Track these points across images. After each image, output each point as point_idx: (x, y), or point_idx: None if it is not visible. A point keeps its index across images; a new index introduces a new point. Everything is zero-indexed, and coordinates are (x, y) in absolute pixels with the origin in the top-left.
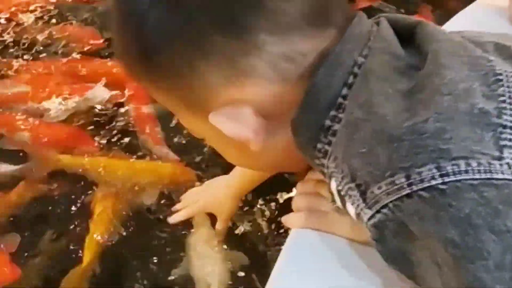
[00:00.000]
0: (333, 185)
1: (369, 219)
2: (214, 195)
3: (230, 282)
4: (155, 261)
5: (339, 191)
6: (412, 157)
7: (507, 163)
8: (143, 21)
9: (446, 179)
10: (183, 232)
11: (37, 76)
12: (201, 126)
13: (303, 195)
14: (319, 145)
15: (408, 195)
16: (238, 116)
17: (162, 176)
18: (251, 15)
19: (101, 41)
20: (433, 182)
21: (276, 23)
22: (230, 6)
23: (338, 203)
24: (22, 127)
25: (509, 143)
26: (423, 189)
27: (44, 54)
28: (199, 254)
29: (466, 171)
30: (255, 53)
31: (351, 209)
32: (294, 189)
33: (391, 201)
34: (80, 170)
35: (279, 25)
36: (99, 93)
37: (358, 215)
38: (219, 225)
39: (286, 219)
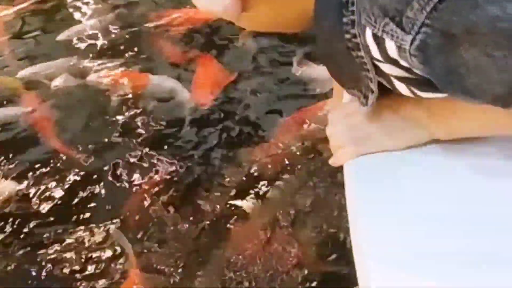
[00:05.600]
0: (369, 34)
1: (411, 44)
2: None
3: None
4: None
5: (375, 37)
6: None
7: None
8: None
9: None
10: None
11: None
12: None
13: (337, 129)
14: (344, 19)
15: (440, 0)
16: None
17: None
18: None
19: None
20: None
21: None
22: None
23: (376, 53)
24: None
25: None
26: None
27: None
28: None
29: None
30: None
31: (391, 46)
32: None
33: (426, 17)
34: None
35: None
36: None
37: (399, 48)
38: None
39: (334, 160)
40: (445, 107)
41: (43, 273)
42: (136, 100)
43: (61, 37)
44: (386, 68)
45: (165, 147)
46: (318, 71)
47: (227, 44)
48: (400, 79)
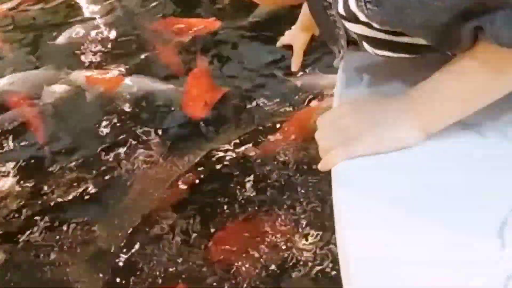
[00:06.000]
0: None
1: None
2: (290, 31)
3: None
4: None
5: None
6: None
7: None
8: None
9: None
10: None
11: None
12: None
13: (326, 133)
14: None
15: None
16: None
17: None
18: None
19: None
20: None
21: None
22: None
23: (341, 9)
24: None
25: None
26: None
27: None
28: None
29: None
30: None
31: None
32: None
33: None
34: None
35: None
36: None
37: None
38: (294, 57)
39: (323, 164)
40: (427, 95)
41: None
42: (108, 101)
43: (60, 40)
44: (351, 26)
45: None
46: (321, 80)
47: (227, 55)
48: (364, 38)
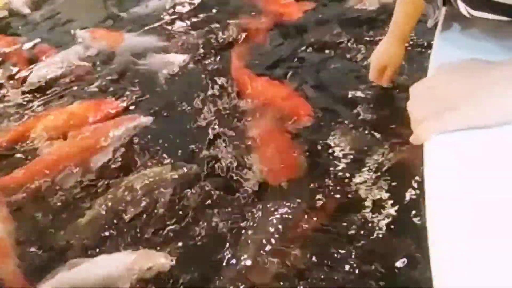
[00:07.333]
0: None
1: None
2: (380, 46)
3: None
4: None
5: None
6: None
7: None
8: None
9: None
10: None
11: None
12: None
13: (419, 103)
14: None
15: None
16: None
17: None
18: None
19: None
20: None
21: None
22: None
23: None
24: None
25: None
26: None
27: None
28: None
29: None
30: None
31: None
32: None
33: None
34: None
35: None
36: None
37: None
38: (388, 72)
39: (414, 137)
40: None
41: None
42: (109, 56)
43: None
44: None
45: None
46: None
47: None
48: None
